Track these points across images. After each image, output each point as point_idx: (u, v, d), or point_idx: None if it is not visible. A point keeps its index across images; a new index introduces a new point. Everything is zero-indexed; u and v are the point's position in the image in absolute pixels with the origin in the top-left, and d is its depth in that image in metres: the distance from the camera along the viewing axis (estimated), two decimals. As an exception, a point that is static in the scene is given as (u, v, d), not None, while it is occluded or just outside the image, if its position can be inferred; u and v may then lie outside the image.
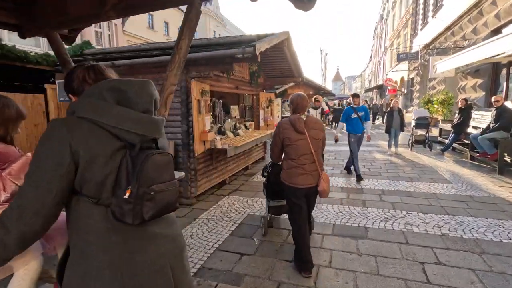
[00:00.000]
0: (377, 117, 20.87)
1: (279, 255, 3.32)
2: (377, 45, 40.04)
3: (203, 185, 5.49)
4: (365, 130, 6.47)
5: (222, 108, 7.36)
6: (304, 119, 2.75)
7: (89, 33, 16.90)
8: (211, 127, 6.51)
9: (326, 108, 7.01)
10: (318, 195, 2.90)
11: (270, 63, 7.78)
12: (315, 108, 8.64)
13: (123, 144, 1.06)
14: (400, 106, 10.00)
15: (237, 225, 4.20)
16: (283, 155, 2.96)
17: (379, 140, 12.58)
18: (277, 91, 16.26)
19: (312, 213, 4.37)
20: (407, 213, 4.47)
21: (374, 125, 19.65)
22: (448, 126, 10.17)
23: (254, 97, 8.51)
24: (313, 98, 7.40)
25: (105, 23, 18.32)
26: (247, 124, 8.40)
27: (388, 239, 3.65)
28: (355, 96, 6.63)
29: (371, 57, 51.02)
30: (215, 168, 5.92)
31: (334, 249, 3.42)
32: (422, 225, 4.01)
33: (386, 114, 9.51)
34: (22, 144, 4.21)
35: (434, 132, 11.61)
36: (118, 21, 19.35)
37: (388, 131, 9.30)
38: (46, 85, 4.76)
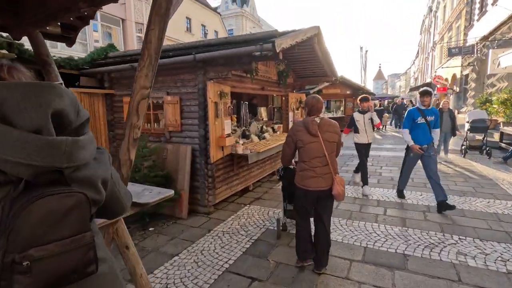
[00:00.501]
0: (423, 118, 19.03)
1: (296, 285, 2.83)
2: (425, 40, 36.86)
3: (223, 193, 5.16)
4: (433, 141, 4.68)
5: (247, 110, 7.00)
6: (318, 121, 2.71)
7: (131, 38, 17.77)
8: (234, 130, 6.19)
9: (377, 121, 5.65)
10: (333, 199, 2.84)
11: (300, 61, 7.23)
12: (362, 112, 5.68)
13: (8, 179, 0.70)
14: (450, 107, 8.76)
15: (253, 241, 3.78)
16: (293, 158, 3.00)
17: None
18: (311, 91, 15.58)
19: (338, 231, 3.79)
20: (459, 238, 3.67)
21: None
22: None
23: (283, 98, 8.03)
24: (358, 98, 5.72)
25: (145, 28, 19.11)
26: (275, 127, 7.95)
27: (433, 273, 2.95)
28: (425, 94, 4.56)
29: (417, 53, 47.23)
30: (236, 174, 5.56)
31: (364, 283, 2.83)
32: (480, 257, 3.22)
33: (434, 116, 8.38)
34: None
35: (495, 136, 10.05)
36: (156, 26, 20.06)
37: (436, 135, 8.17)
38: (71, 89, 4.80)
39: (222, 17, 31.88)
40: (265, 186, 6.44)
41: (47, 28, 2.05)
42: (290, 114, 7.91)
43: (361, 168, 5.74)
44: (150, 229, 4.28)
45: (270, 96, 8.17)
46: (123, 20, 17.51)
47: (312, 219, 3.05)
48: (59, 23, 2.29)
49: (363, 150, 5.79)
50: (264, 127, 7.58)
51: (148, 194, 1.91)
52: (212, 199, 4.80)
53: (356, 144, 5.86)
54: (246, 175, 5.94)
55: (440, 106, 8.29)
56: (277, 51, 3.65)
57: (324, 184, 2.70)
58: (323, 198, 2.79)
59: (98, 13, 15.79)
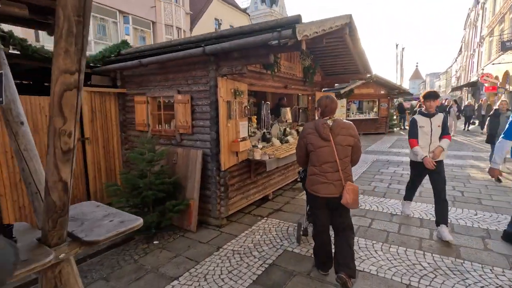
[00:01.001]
0: (471, 121, 17.03)
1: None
2: (470, 36, 33.69)
3: (238, 203, 4.62)
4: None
5: (269, 111, 6.41)
6: (331, 123, 2.52)
7: (161, 40, 17.95)
8: (253, 133, 5.62)
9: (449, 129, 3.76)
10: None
11: (329, 56, 6.50)
12: (428, 115, 3.73)
13: None
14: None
15: (266, 265, 3.18)
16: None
17: (476, 152, 9.90)
18: (342, 91, 14.59)
19: (371, 259, 3.08)
20: (538, 280, 2.78)
21: (468, 132, 16.11)
22: None
23: (309, 98, 7.33)
24: (421, 95, 3.82)
25: (175, 30, 19.22)
26: (300, 129, 7.26)
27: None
28: (431, 97, 3.67)
29: (460, 50, 43.51)
30: (254, 182, 4.99)
31: None
32: None
33: (489, 118, 7.19)
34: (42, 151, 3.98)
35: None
36: (186, 27, 20.18)
37: (491, 140, 6.99)
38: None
39: (251, 17, 31.58)
40: (287, 195, 5.80)
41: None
42: (317, 114, 7.17)
43: (440, 205, 3.69)
44: (155, 242, 3.85)
45: (295, 95, 7.50)
46: (153, 22, 17.77)
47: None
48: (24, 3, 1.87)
49: (425, 172, 3.79)
50: (288, 129, 6.93)
51: (108, 224, 1.41)
52: (225, 210, 4.27)
53: (413, 162, 3.96)
54: (265, 182, 5.35)
55: (496, 107, 7.08)
56: (299, 38, 3.02)
57: (336, 191, 2.52)
58: (335, 206, 2.60)
59: (130, 17, 16.15)
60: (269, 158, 4.58)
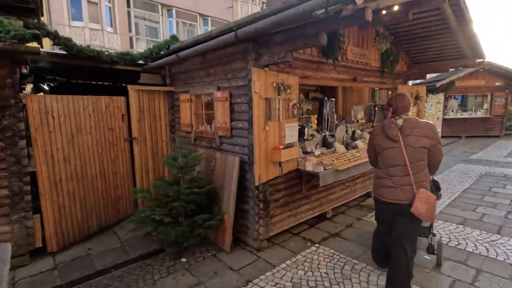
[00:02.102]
0: None
1: None
2: None
3: (284, 222, 3.80)
4: None
5: (333, 109, 5.32)
6: (401, 123, 2.27)
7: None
8: (311, 136, 4.68)
9: None
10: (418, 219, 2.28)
11: (418, 38, 4.99)
12: None
13: None
14: None
15: (302, 324, 2.31)
16: None
17: None
18: (438, 84, 11.89)
19: None
20: None
21: None
22: None
23: (390, 92, 5.87)
24: None
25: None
26: (376, 131, 5.90)
27: None
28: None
29: None
30: (306, 197, 4.08)
31: None
32: None
33: None
34: (90, 149, 3.97)
35: None
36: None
37: None
38: (129, 86, 4.49)
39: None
40: (351, 214, 4.66)
41: None
42: (389, 115, 5.68)
43: None
44: (183, 259, 3.39)
45: (369, 90, 6.16)
46: (229, 22, 18.15)
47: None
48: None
49: None
50: (358, 131, 5.69)
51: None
52: (265, 231, 3.52)
53: None
54: (322, 198, 4.36)
55: None
56: (358, 3, 2.01)
57: (403, 197, 2.30)
58: (403, 214, 2.34)
59: (209, 19, 16.82)
60: (325, 169, 3.61)
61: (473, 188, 5.77)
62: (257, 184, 3.02)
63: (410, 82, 6.82)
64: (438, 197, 2.84)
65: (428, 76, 9.05)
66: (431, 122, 2.34)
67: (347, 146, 4.90)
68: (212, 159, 3.96)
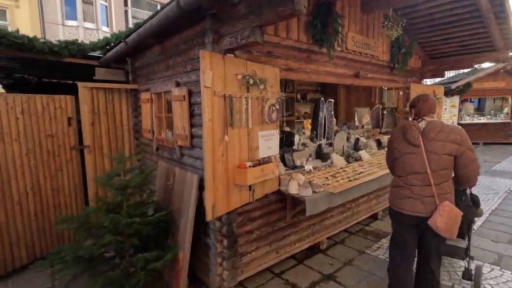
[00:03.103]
0: None
1: None
2: None
3: (260, 259, 2.89)
4: None
5: (332, 112, 4.40)
6: (423, 125, 2.01)
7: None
8: (303, 145, 3.77)
9: None
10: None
11: (437, 26, 4.06)
12: None
13: None
14: None
15: None
16: None
17: None
18: (454, 86, 10.82)
19: None
20: None
21: None
22: None
23: (401, 92, 4.92)
24: None
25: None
26: (384, 138, 4.96)
27: None
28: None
29: None
30: (292, 225, 3.16)
31: None
32: None
33: None
34: (17, 162, 3.15)
35: None
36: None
37: None
38: (78, 83, 3.67)
39: None
40: (352, 243, 3.70)
41: None
42: (411, 118, 4.73)
43: None
44: (120, 312, 2.50)
45: (375, 89, 5.22)
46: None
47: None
48: None
49: None
50: (363, 139, 4.74)
51: None
52: (230, 276, 2.61)
53: None
54: (315, 225, 3.43)
55: None
56: None
57: (424, 210, 2.01)
58: (426, 229, 2.03)
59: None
60: (314, 192, 2.70)
61: (503, 209, 4.74)
62: (210, 219, 2.11)
63: (425, 82, 5.85)
64: (479, 214, 2.64)
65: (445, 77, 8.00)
66: (459, 126, 2.05)
67: (348, 158, 3.96)
68: (170, 175, 3.08)
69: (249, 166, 2.24)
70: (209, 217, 2.07)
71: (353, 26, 3.46)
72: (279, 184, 2.88)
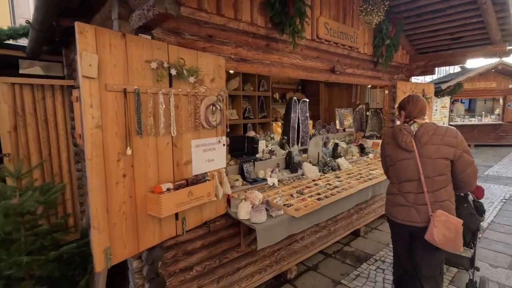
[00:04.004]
0: None
1: None
2: None
3: (206, 301, 2.27)
4: None
5: (307, 114, 3.82)
6: (415, 129, 1.89)
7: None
8: (269, 153, 3.17)
9: None
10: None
11: (424, 15, 3.51)
12: None
13: None
14: None
15: None
16: None
17: None
18: (444, 86, 10.40)
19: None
20: None
21: None
22: None
23: (387, 91, 4.36)
24: None
25: None
26: (369, 143, 4.40)
27: None
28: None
29: None
30: (249, 254, 2.54)
31: None
32: None
33: None
34: None
35: None
36: None
37: None
38: (-4, 78, 3.01)
39: None
40: (326, 270, 3.11)
41: None
42: (398, 121, 4.18)
43: None
44: None
45: (356, 87, 4.67)
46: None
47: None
48: None
49: None
50: (343, 144, 4.17)
51: None
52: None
53: None
54: (280, 250, 2.82)
55: None
56: None
57: (419, 220, 1.88)
58: (420, 240, 1.87)
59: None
60: (271, 217, 2.10)
61: (501, 222, 4.22)
62: (100, 269, 1.47)
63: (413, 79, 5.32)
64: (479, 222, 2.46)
65: (429, 77, 7.49)
66: (454, 127, 1.88)
67: (324, 168, 3.37)
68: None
69: (167, 189, 1.61)
70: (99, 266, 1.43)
71: (326, 11, 2.88)
72: (229, 205, 2.27)
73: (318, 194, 2.60)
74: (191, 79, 1.77)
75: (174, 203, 1.62)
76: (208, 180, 1.90)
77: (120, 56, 1.45)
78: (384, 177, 3.40)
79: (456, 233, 1.77)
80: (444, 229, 1.76)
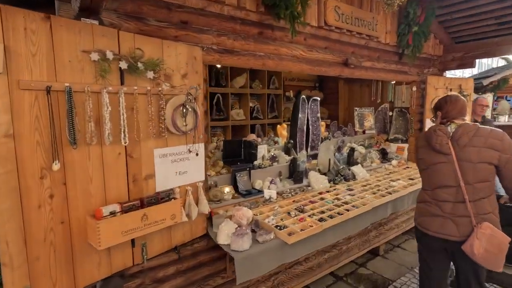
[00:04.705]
0: None
1: None
2: None
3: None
4: None
5: (318, 114, 3.38)
6: (452, 129, 1.70)
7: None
8: (271, 159, 2.79)
9: None
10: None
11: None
12: None
13: None
14: None
15: None
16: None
17: None
18: (486, 82, 9.24)
19: None
20: None
21: None
22: None
23: (414, 88, 3.76)
24: None
25: None
26: (393, 148, 3.84)
27: None
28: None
29: None
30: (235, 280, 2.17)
31: None
32: None
33: None
34: None
35: None
36: None
37: None
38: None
39: None
40: (335, 299, 2.66)
41: None
42: (428, 121, 3.58)
43: None
44: None
45: (376, 83, 4.11)
46: None
47: None
48: None
49: None
50: (361, 149, 3.66)
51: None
52: None
53: None
54: (277, 274, 2.41)
55: None
56: None
57: (456, 233, 1.67)
58: (460, 256, 1.68)
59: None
60: (259, 241, 1.72)
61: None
62: None
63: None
64: None
65: (468, 72, 6.50)
66: (499, 129, 1.66)
67: (335, 177, 2.91)
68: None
69: (111, 213, 1.28)
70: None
71: (338, -9, 2.41)
72: (211, 224, 1.92)
73: (322, 212, 2.16)
74: (150, 75, 1.43)
75: (120, 230, 1.29)
76: (174, 198, 1.55)
77: (42, 45, 1.14)
78: (408, 190, 2.88)
79: (500, 250, 1.61)
80: (487, 244, 1.60)
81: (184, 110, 1.60)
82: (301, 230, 1.88)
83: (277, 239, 1.82)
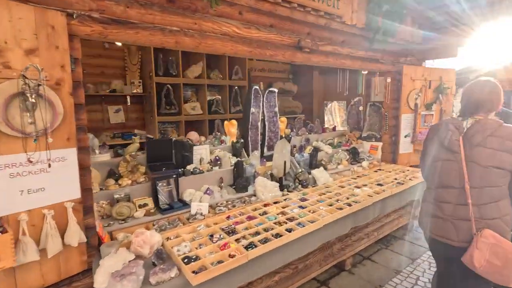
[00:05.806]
0: None
1: None
2: None
3: None
4: None
5: (276, 108, 2.91)
6: (467, 125, 1.52)
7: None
8: (212, 164, 2.32)
9: None
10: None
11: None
12: None
13: None
14: None
15: None
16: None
17: None
18: (472, 75, 8.95)
19: None
20: None
21: None
22: None
23: (388, 79, 3.31)
24: None
25: None
26: (366, 146, 3.41)
27: None
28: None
29: None
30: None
31: None
32: None
33: None
34: None
35: None
36: None
37: None
38: None
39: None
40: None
41: None
42: (404, 117, 3.15)
43: None
44: None
45: (344, 73, 3.67)
46: None
47: None
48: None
49: None
50: (328, 149, 3.21)
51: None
52: None
53: None
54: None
55: None
56: None
57: (455, 238, 1.52)
58: (457, 262, 1.52)
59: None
60: (152, 283, 1.24)
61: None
62: None
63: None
64: None
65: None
66: None
67: (290, 184, 2.45)
68: None
69: None
70: None
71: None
72: (100, 255, 1.44)
73: (257, 233, 1.71)
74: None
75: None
76: (3, 231, 1.05)
77: None
78: (372, 200, 2.44)
79: (506, 262, 1.40)
80: (490, 254, 1.43)
81: (27, 103, 1.10)
82: (218, 262, 1.42)
83: (182, 277, 1.35)
